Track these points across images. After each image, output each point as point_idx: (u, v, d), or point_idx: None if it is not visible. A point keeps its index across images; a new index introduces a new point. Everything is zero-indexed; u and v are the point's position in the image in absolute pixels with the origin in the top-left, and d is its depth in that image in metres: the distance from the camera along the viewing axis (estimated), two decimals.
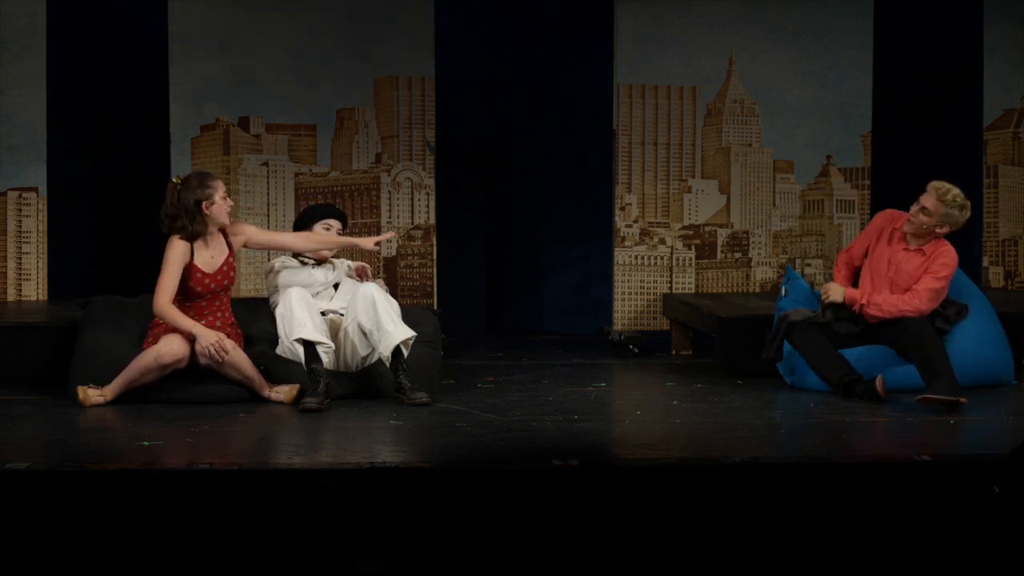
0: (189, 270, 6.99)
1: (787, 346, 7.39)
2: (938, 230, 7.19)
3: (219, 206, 6.99)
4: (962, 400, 6.69)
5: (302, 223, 7.49)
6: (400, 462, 5.57)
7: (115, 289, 8.13)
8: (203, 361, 6.87)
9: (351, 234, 8.96)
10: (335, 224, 7.44)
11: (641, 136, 9.33)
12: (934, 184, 7.19)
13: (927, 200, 7.16)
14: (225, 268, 7.07)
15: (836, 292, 7.24)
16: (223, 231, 7.10)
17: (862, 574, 3.35)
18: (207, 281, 7.02)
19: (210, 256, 7.05)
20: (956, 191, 7.17)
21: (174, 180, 7.07)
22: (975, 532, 3.47)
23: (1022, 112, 9.52)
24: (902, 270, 7.23)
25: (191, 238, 6.99)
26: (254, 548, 3.43)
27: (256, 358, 7.02)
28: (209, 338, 6.83)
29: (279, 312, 7.00)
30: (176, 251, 6.95)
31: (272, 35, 9.05)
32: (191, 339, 6.87)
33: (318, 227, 7.41)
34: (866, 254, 7.37)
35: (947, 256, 7.22)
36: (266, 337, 7.27)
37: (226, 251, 7.10)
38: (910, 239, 7.25)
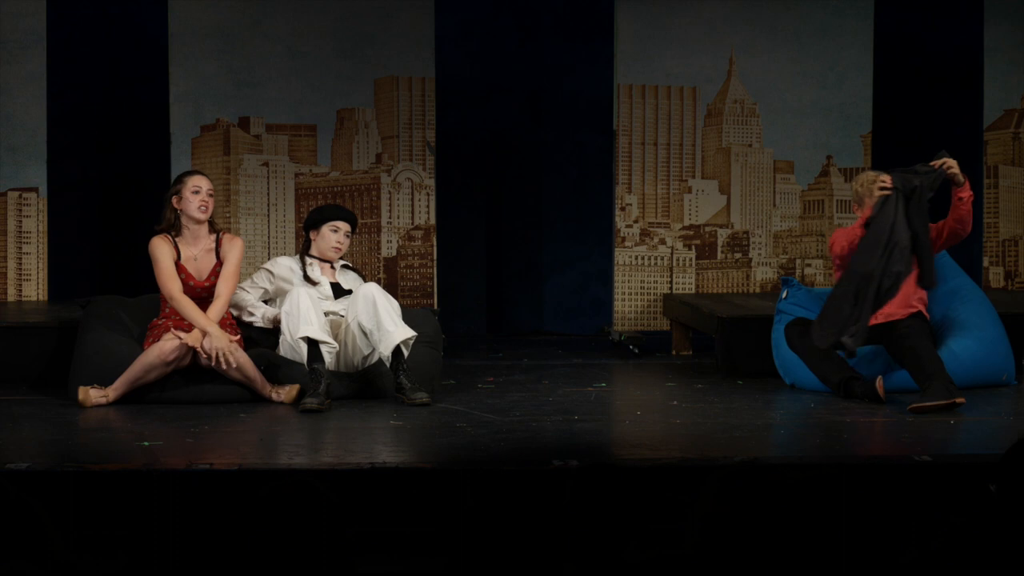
0: (176, 269, 7.04)
1: (787, 350, 7.40)
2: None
3: (187, 200, 7.08)
4: (959, 401, 6.67)
5: (310, 223, 7.50)
6: (400, 462, 5.57)
7: (115, 289, 8.13)
8: (204, 361, 6.87)
9: (357, 235, 8.97)
10: (343, 226, 7.43)
11: (641, 136, 9.33)
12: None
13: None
14: (212, 277, 7.10)
15: (960, 174, 7.06)
16: (218, 242, 7.13)
17: (862, 574, 3.35)
18: (193, 285, 7.05)
19: (194, 259, 7.09)
20: (856, 186, 7.34)
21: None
22: (973, 532, 3.47)
23: (1022, 112, 9.52)
24: None
25: (175, 232, 7.11)
26: (253, 548, 3.43)
27: (256, 359, 7.02)
28: (221, 341, 6.83)
29: (284, 310, 7.01)
30: (159, 247, 7.06)
31: (272, 35, 9.06)
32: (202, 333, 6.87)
33: (325, 228, 7.42)
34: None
35: None
36: (266, 337, 7.28)
37: (215, 260, 7.13)
38: None
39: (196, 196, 7.08)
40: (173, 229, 7.12)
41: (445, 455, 5.75)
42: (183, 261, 7.09)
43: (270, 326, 7.29)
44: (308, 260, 7.42)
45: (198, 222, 7.11)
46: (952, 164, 7.05)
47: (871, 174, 7.38)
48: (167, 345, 6.86)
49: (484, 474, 5.31)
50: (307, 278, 7.30)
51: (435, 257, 9.18)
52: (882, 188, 7.02)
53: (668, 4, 9.31)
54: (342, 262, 7.53)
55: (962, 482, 5.30)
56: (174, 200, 7.11)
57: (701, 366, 8.22)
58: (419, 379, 6.98)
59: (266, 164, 9.11)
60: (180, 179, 7.18)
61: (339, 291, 7.36)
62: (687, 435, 6.27)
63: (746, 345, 7.83)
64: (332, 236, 7.41)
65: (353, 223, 7.51)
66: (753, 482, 3.38)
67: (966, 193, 7.12)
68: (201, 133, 9.06)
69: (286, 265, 7.44)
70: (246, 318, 7.28)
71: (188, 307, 6.96)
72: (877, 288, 6.93)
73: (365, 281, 7.49)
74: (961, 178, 7.09)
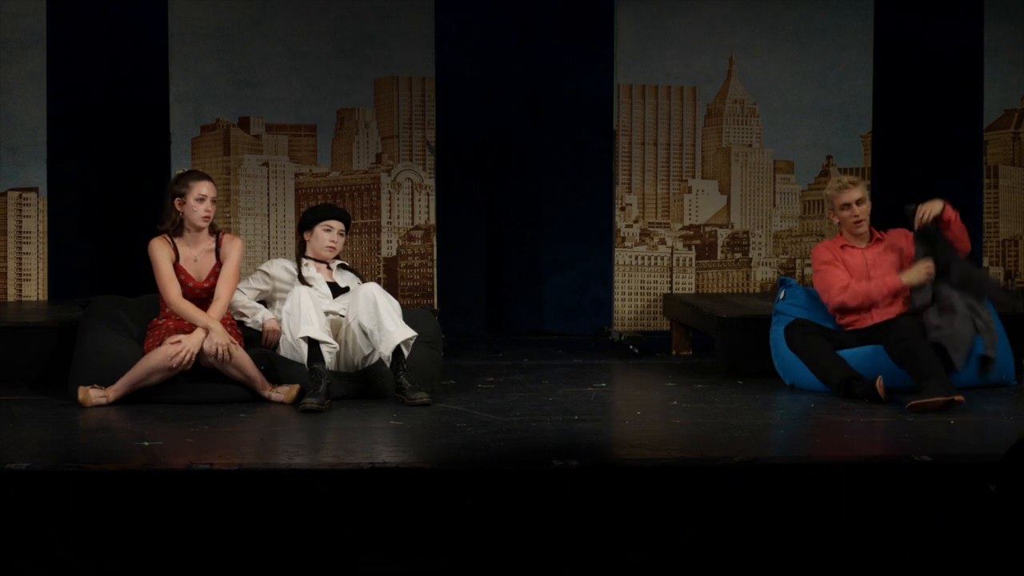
0: (175, 270, 7.04)
1: (787, 350, 7.40)
2: (869, 207, 7.46)
3: (190, 207, 7.07)
4: (957, 399, 6.67)
5: (304, 224, 7.51)
6: (400, 462, 5.57)
7: (115, 289, 8.13)
8: (207, 361, 6.87)
9: (351, 235, 8.97)
10: (336, 225, 7.44)
11: (641, 136, 9.33)
12: (843, 182, 7.46)
13: (855, 193, 7.39)
14: (212, 278, 7.10)
15: (935, 205, 7.10)
16: (218, 242, 7.14)
17: (862, 574, 3.35)
18: (193, 286, 7.05)
19: (194, 259, 7.10)
20: (828, 191, 7.61)
21: (178, 171, 7.28)
22: (973, 532, 3.47)
23: (1022, 112, 9.52)
24: (880, 262, 7.40)
25: (175, 234, 7.10)
26: (253, 548, 3.43)
27: (256, 359, 7.02)
28: (223, 338, 6.83)
29: (285, 309, 7.01)
30: (158, 250, 7.08)
31: (272, 35, 9.05)
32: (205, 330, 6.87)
33: (318, 228, 7.43)
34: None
35: (905, 233, 7.46)
36: None
37: (215, 261, 7.13)
38: (856, 240, 7.46)
39: (200, 204, 7.08)
40: (174, 229, 7.12)
41: (445, 455, 5.75)
42: (182, 262, 7.09)
43: (261, 330, 7.29)
44: (304, 261, 7.42)
45: (199, 229, 7.13)
46: (926, 211, 7.12)
47: (835, 180, 7.64)
48: (171, 350, 6.85)
49: (484, 474, 5.31)
50: (302, 279, 7.30)
51: (435, 257, 9.18)
52: (929, 276, 7.13)
53: (668, 4, 9.30)
54: (338, 262, 7.54)
55: (962, 482, 5.30)
56: (176, 203, 7.10)
57: (701, 366, 8.22)
58: (419, 379, 6.98)
59: (266, 164, 9.10)
60: (185, 182, 7.12)
61: (337, 291, 7.36)
62: (687, 435, 6.27)
63: (746, 345, 7.83)
64: (325, 236, 7.42)
65: (346, 222, 7.52)
66: (753, 482, 3.38)
67: (949, 214, 7.17)
68: (201, 133, 9.06)
69: (282, 266, 7.45)
70: (236, 317, 7.28)
71: (187, 309, 6.97)
72: (985, 323, 7.11)
73: (363, 280, 7.50)
74: (939, 207, 7.13)
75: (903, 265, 7.36)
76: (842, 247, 7.44)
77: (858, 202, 7.37)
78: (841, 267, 7.38)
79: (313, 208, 7.67)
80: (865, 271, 7.38)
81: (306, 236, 7.48)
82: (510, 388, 7.46)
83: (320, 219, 7.45)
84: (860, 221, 7.38)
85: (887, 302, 7.28)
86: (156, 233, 7.14)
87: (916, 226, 7.18)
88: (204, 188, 7.10)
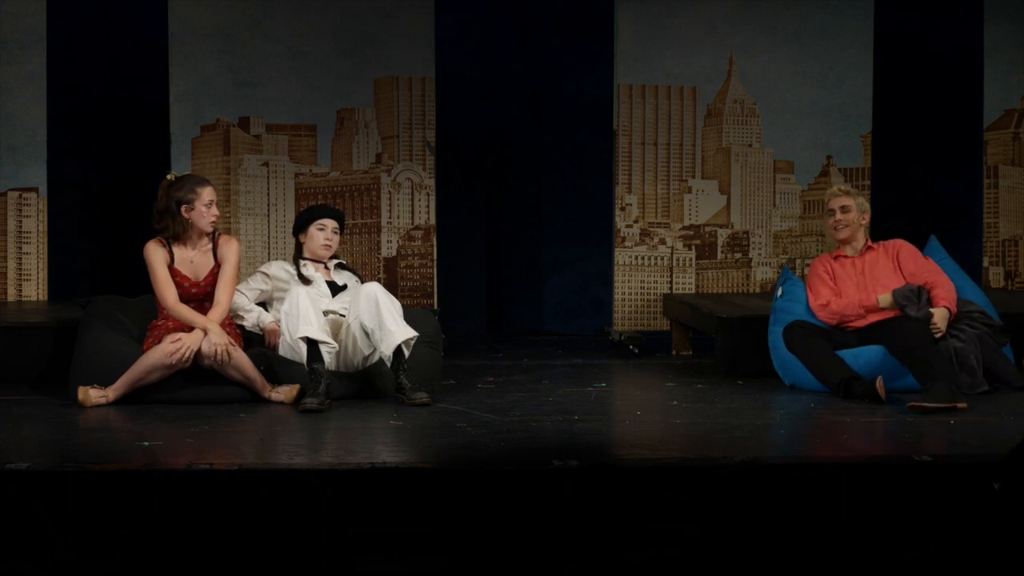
0: (171, 273, 7.03)
1: (784, 351, 7.40)
2: (863, 220, 7.54)
3: (199, 212, 7.04)
4: (960, 405, 6.65)
5: (298, 225, 7.52)
6: (400, 462, 5.57)
7: (115, 289, 8.13)
8: (206, 362, 6.87)
9: (351, 235, 8.97)
10: (329, 223, 7.45)
11: (641, 136, 9.33)
12: (833, 190, 7.66)
13: (840, 201, 7.52)
14: (210, 279, 7.09)
15: (942, 320, 7.22)
16: (215, 241, 7.13)
17: (862, 574, 3.35)
18: (188, 286, 7.04)
19: (190, 260, 7.09)
20: (841, 185, 7.84)
21: (168, 177, 7.18)
22: (974, 531, 3.47)
23: (1022, 112, 9.52)
24: (874, 270, 7.44)
25: (173, 238, 7.07)
26: (253, 548, 3.43)
27: (256, 359, 7.02)
28: (221, 339, 6.83)
29: (284, 310, 7.01)
30: (153, 254, 7.05)
31: (272, 35, 9.06)
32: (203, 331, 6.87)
33: (312, 228, 7.43)
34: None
35: (908, 244, 7.58)
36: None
37: (212, 262, 7.12)
38: (849, 248, 7.55)
39: (209, 210, 7.06)
40: (175, 235, 7.08)
41: (445, 455, 5.75)
42: (178, 264, 7.08)
43: (259, 332, 7.29)
44: (302, 262, 7.43)
45: (205, 234, 7.11)
46: (940, 329, 7.22)
47: (835, 186, 7.83)
48: (169, 347, 6.85)
49: (484, 474, 5.31)
50: (302, 277, 7.30)
51: (435, 257, 9.18)
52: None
53: (668, 4, 9.31)
54: (336, 260, 7.54)
55: (962, 482, 5.30)
56: (184, 210, 7.06)
57: (701, 366, 8.22)
58: (419, 379, 6.98)
59: (266, 164, 9.11)
60: (191, 188, 7.07)
61: (336, 290, 7.36)
62: (687, 435, 6.27)
63: (746, 345, 7.83)
64: (319, 235, 7.43)
65: (339, 219, 7.52)
66: (753, 482, 3.38)
67: (953, 311, 7.31)
68: (201, 133, 9.06)
69: (281, 267, 7.46)
70: (237, 321, 7.28)
71: (185, 311, 6.96)
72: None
73: (362, 279, 7.51)
74: (945, 321, 7.25)
75: (899, 273, 7.45)
76: (836, 258, 7.54)
77: (842, 209, 7.49)
78: (828, 282, 7.46)
79: (307, 208, 7.70)
80: (856, 279, 7.43)
81: (301, 238, 7.49)
82: (510, 388, 7.46)
83: (313, 219, 7.46)
84: (838, 228, 7.51)
85: (862, 317, 7.34)
86: (154, 235, 7.12)
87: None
88: (210, 193, 7.09)
